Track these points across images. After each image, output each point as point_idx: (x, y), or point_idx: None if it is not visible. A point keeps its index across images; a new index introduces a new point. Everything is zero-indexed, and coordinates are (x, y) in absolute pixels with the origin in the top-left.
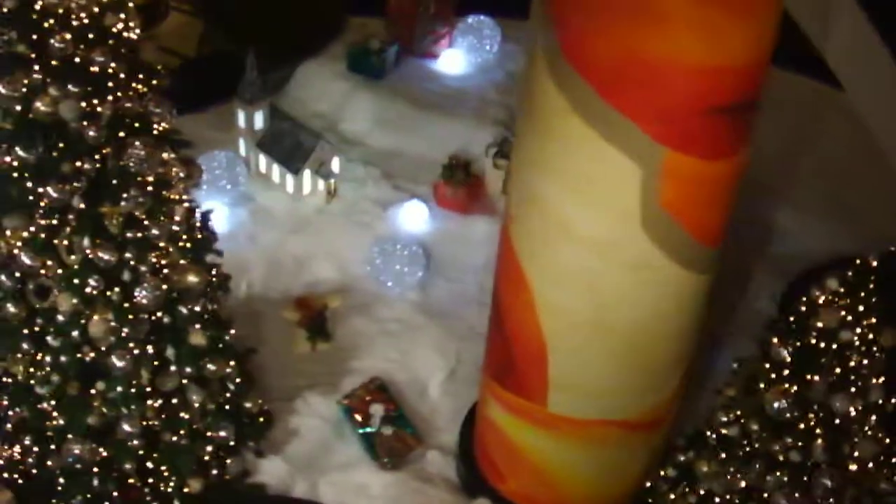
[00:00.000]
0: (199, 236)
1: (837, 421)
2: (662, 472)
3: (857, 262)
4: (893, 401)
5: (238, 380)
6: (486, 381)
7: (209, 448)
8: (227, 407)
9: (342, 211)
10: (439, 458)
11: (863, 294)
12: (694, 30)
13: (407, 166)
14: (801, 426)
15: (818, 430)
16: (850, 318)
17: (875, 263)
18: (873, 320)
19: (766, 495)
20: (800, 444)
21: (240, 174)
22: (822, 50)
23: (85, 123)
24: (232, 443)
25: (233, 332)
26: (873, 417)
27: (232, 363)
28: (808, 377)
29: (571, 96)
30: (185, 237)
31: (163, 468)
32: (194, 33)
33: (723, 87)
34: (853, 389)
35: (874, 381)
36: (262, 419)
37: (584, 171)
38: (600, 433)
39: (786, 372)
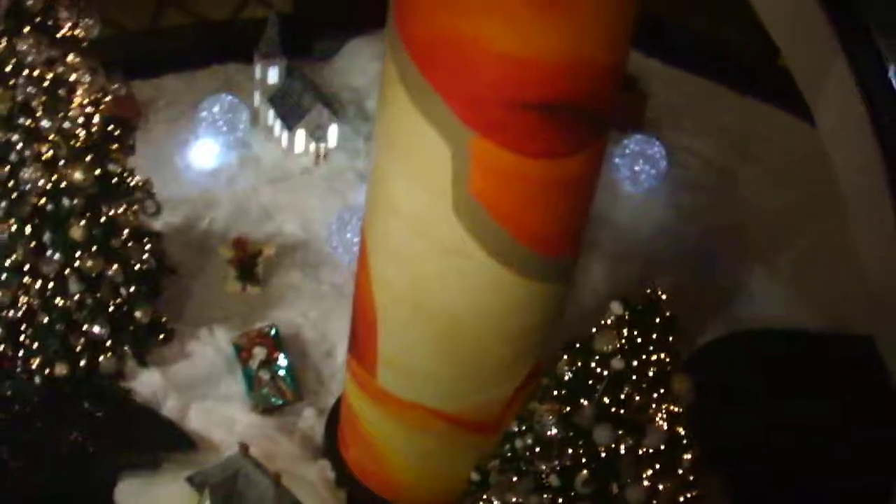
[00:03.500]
0: (111, 145)
1: (603, 454)
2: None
3: (648, 291)
4: (687, 456)
5: (132, 288)
6: (348, 349)
7: (82, 340)
8: (112, 310)
9: (325, 175)
10: (313, 416)
11: (644, 325)
12: (501, 18)
13: None
14: (570, 451)
15: (584, 460)
16: (626, 346)
17: (664, 297)
18: (655, 357)
19: None
20: (561, 469)
21: (240, 121)
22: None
23: None
24: (108, 342)
25: (144, 246)
26: (657, 465)
27: (116, 267)
28: (581, 401)
29: (398, 66)
30: (80, 137)
31: (34, 345)
32: None
33: (532, 82)
34: (633, 426)
35: (655, 422)
36: (158, 334)
37: (406, 143)
38: (423, 420)
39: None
